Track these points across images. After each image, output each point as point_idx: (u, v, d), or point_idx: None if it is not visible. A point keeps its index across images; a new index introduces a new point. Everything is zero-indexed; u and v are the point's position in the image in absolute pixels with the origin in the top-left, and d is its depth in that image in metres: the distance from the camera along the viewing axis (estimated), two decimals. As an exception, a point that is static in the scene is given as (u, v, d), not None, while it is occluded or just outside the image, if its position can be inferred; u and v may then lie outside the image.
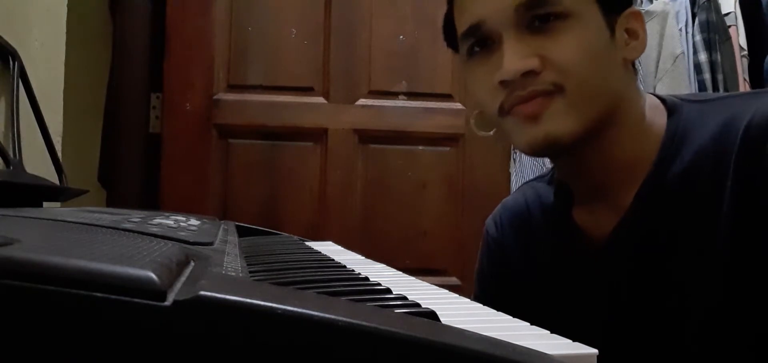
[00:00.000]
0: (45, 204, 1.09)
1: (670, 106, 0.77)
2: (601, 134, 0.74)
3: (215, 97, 2.14)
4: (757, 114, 0.69)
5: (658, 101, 0.79)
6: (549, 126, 0.71)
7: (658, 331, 0.75)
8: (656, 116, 0.77)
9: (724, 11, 2.09)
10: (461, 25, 0.77)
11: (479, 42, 0.75)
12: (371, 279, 0.56)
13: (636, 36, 0.76)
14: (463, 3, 0.77)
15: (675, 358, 0.74)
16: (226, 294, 0.28)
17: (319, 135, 2.17)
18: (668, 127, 0.75)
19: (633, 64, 0.80)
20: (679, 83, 2.01)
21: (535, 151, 0.75)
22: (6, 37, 1.23)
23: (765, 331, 0.69)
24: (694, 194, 0.72)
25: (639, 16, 0.77)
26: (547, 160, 1.90)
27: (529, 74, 0.70)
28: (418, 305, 0.41)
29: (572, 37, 0.70)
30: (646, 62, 2.03)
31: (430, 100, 2.19)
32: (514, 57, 0.71)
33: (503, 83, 0.72)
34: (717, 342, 0.71)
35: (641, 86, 1.99)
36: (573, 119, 0.71)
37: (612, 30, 0.73)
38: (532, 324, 0.41)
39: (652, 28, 2.03)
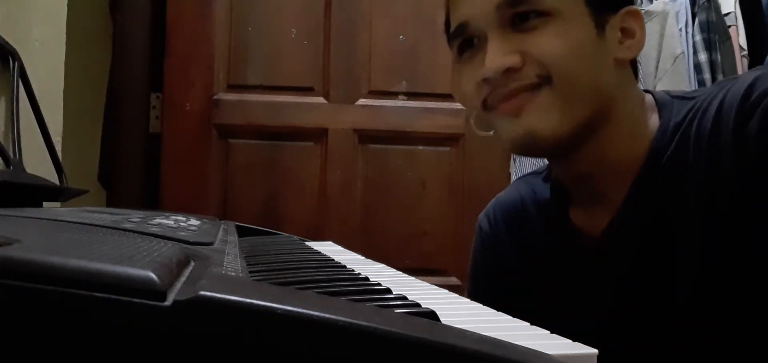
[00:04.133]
0: (45, 204, 1.09)
1: (661, 103, 0.78)
2: (589, 136, 0.74)
3: (215, 97, 2.14)
4: (729, 93, 0.70)
5: (652, 99, 0.79)
6: (530, 121, 0.72)
7: (657, 323, 0.75)
8: (651, 115, 0.77)
9: (724, 11, 2.09)
10: (451, 26, 0.78)
11: (466, 41, 0.76)
12: (371, 279, 0.56)
13: (632, 35, 0.76)
14: (453, 4, 0.78)
15: (676, 347, 0.74)
16: (226, 294, 0.28)
17: (319, 135, 2.17)
18: (660, 124, 0.76)
19: (635, 66, 0.80)
20: (679, 83, 2.01)
21: (516, 147, 0.76)
22: (6, 37, 1.23)
23: (757, 317, 0.69)
24: (680, 184, 0.72)
25: (637, 15, 0.77)
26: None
27: (510, 71, 0.72)
28: (418, 305, 0.41)
29: (554, 33, 0.71)
30: (646, 62, 2.03)
31: (430, 100, 2.19)
32: (496, 54, 0.72)
33: (486, 81, 0.73)
34: (713, 337, 0.71)
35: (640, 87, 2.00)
36: (557, 115, 0.71)
37: (601, 28, 0.73)
38: (528, 320, 0.41)
39: (652, 28, 2.03)
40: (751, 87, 0.68)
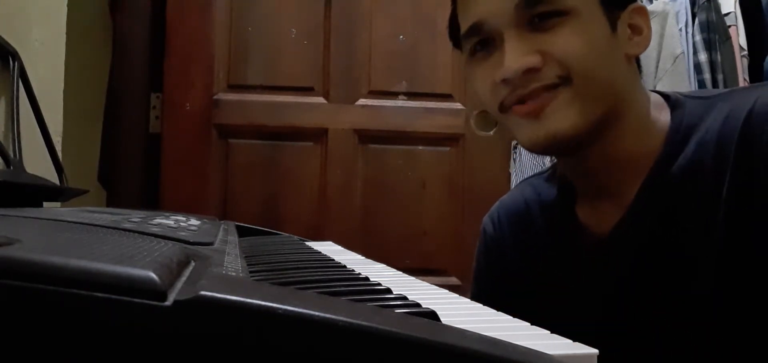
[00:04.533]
0: (45, 204, 1.09)
1: (673, 102, 0.78)
2: (604, 132, 0.74)
3: (215, 97, 2.14)
4: (758, 102, 0.69)
5: (661, 98, 0.79)
6: (551, 123, 0.72)
7: (662, 323, 0.75)
8: (660, 113, 0.77)
9: (724, 11, 2.09)
10: (463, 25, 0.77)
11: (481, 41, 0.75)
12: (371, 279, 0.56)
13: (640, 31, 0.76)
14: (465, 3, 0.77)
15: (679, 348, 0.74)
16: (227, 294, 0.28)
17: (319, 135, 2.17)
18: (672, 122, 0.76)
19: (638, 63, 0.80)
20: (679, 83, 2.01)
21: (536, 148, 0.76)
22: (6, 37, 1.23)
23: (766, 320, 0.69)
24: (696, 186, 0.72)
25: (643, 12, 0.77)
26: (547, 159, 1.90)
27: (530, 71, 0.71)
28: (418, 305, 0.41)
29: (572, 32, 0.71)
30: (646, 62, 2.03)
31: (430, 100, 2.18)
32: (515, 55, 0.71)
33: (505, 81, 0.73)
34: (721, 335, 0.71)
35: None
36: (576, 113, 0.71)
37: (613, 26, 0.73)
38: (531, 322, 0.41)
39: (652, 27, 2.03)
40: None
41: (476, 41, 0.76)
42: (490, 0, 0.73)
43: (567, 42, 0.70)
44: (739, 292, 0.69)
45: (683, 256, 0.73)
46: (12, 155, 1.08)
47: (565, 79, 0.71)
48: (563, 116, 0.71)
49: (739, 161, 0.69)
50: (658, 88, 2.01)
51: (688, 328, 0.73)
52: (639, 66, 0.80)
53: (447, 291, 0.55)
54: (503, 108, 0.75)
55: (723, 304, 0.70)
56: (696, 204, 0.72)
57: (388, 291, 0.47)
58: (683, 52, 2.05)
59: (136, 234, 0.55)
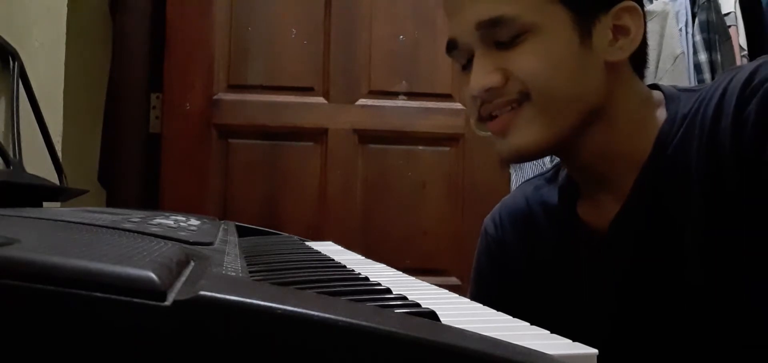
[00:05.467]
0: (45, 204, 1.09)
1: (669, 96, 0.78)
2: (584, 134, 0.75)
3: (215, 97, 2.14)
4: (732, 81, 0.70)
5: (660, 94, 0.79)
6: (515, 139, 0.74)
7: (663, 314, 0.75)
8: (657, 108, 0.78)
9: (724, 11, 2.09)
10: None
11: (460, 56, 0.78)
12: (371, 279, 0.56)
13: (626, 32, 0.74)
14: (447, 18, 0.79)
15: (680, 337, 0.74)
16: (226, 294, 0.28)
17: (319, 135, 2.17)
18: (668, 115, 0.76)
19: (641, 59, 0.79)
20: (679, 83, 2.01)
21: (506, 163, 0.79)
22: (6, 37, 1.23)
23: (764, 302, 0.69)
24: (687, 172, 0.72)
25: (632, 10, 0.75)
26: (547, 160, 1.91)
27: (492, 89, 0.73)
28: (418, 305, 0.41)
29: (533, 50, 0.72)
30: (646, 62, 2.03)
31: (430, 100, 2.19)
32: (479, 74, 0.74)
33: (473, 98, 0.75)
34: (721, 322, 0.71)
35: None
36: (538, 129, 0.73)
37: (587, 34, 0.72)
38: (536, 322, 0.41)
39: (652, 28, 2.04)
40: (753, 73, 0.68)
41: (457, 56, 0.78)
42: (459, 22, 0.76)
43: (526, 61, 0.72)
44: (728, 274, 0.70)
45: (676, 244, 0.73)
46: (12, 155, 1.08)
47: (526, 96, 0.72)
48: (526, 133, 0.73)
49: (711, 141, 0.70)
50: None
51: (687, 318, 0.73)
52: (641, 64, 0.80)
53: (447, 291, 0.55)
54: (481, 119, 0.77)
55: (715, 289, 0.70)
56: (686, 190, 0.72)
57: (388, 291, 0.47)
58: (683, 52, 2.05)
59: (136, 234, 0.55)
